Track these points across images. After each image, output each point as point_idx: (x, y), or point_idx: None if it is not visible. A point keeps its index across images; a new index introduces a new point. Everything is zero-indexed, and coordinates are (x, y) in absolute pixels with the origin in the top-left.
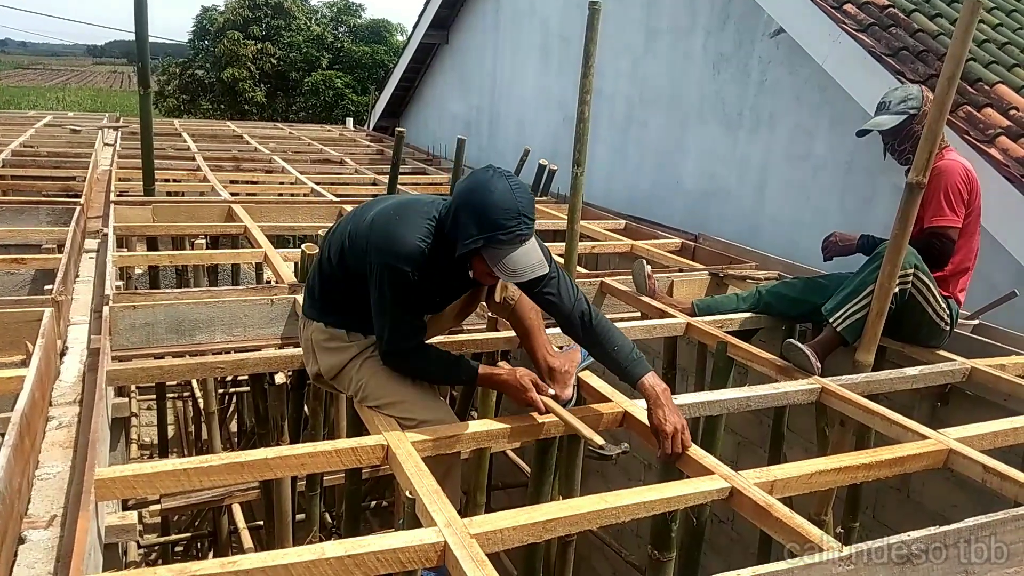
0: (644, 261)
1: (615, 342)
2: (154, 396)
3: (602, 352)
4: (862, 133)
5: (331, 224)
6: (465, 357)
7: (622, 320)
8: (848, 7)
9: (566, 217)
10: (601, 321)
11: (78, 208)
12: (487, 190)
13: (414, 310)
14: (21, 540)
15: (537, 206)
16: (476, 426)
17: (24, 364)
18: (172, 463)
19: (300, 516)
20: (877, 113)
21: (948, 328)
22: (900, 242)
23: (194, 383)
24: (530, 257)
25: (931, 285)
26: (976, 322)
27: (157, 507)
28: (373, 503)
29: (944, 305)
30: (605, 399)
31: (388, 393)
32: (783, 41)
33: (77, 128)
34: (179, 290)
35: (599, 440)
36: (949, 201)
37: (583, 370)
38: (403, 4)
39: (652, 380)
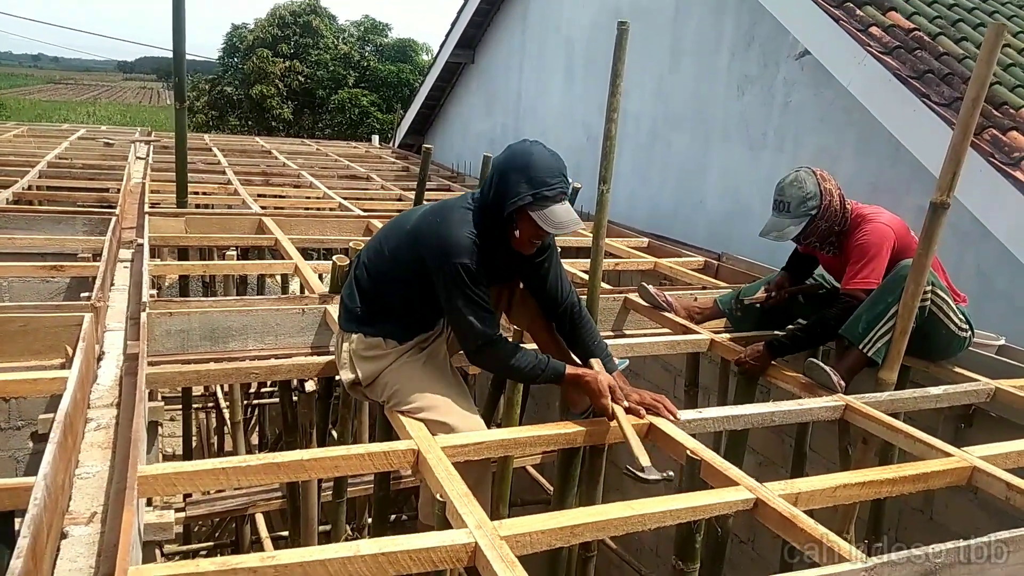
0: (645, 283)
1: (595, 340)
2: (178, 406)
3: (582, 343)
4: (765, 235)
5: (359, 237)
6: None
7: (645, 336)
8: (873, 30)
9: (591, 234)
10: (588, 319)
11: (113, 219)
12: (530, 154)
13: (486, 300)
14: (64, 535)
15: None
16: (503, 433)
17: (63, 367)
18: (211, 462)
19: (323, 527)
20: (775, 209)
21: (969, 333)
22: (924, 262)
23: (219, 393)
24: (570, 213)
25: (947, 298)
26: (1001, 342)
27: (181, 515)
28: (393, 516)
29: (961, 314)
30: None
31: (423, 398)
32: (808, 63)
33: (111, 141)
34: (213, 298)
35: (645, 461)
36: (869, 265)
37: None
38: (429, 24)
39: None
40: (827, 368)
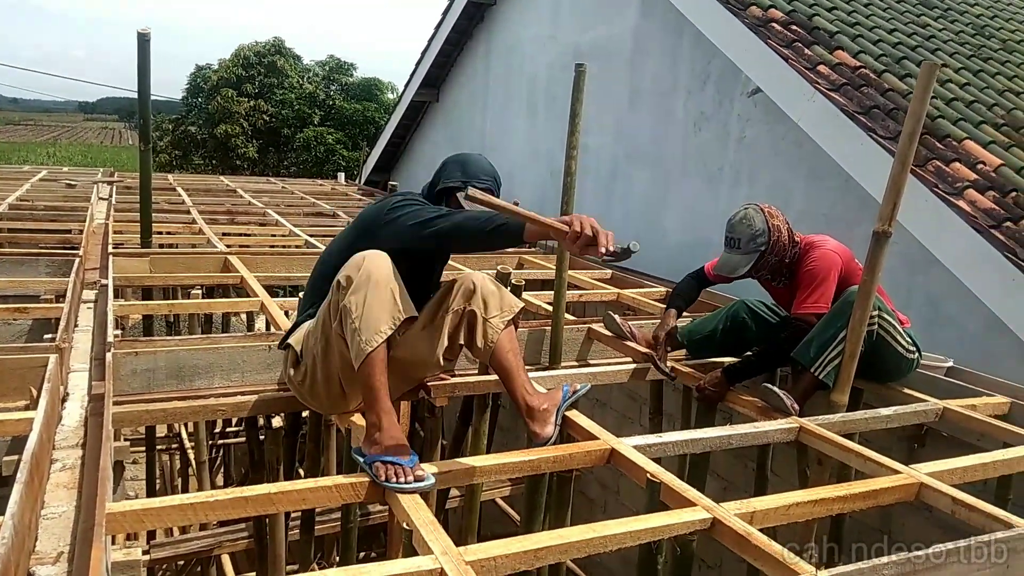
0: (611, 312)
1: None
2: (142, 448)
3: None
4: (719, 271)
5: None
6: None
7: (610, 365)
8: (821, 68)
9: (554, 266)
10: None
11: (77, 260)
12: (469, 154)
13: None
14: (31, 575)
15: (526, 257)
16: (470, 462)
17: (28, 408)
18: (179, 498)
19: (291, 568)
20: (727, 246)
21: (916, 355)
22: (869, 288)
23: (184, 434)
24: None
25: (893, 322)
26: (949, 364)
27: (146, 557)
28: (363, 554)
29: (907, 336)
30: (592, 436)
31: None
32: (760, 100)
33: (73, 183)
34: (179, 337)
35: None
36: (819, 290)
37: (568, 408)
38: (394, 63)
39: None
40: (780, 392)
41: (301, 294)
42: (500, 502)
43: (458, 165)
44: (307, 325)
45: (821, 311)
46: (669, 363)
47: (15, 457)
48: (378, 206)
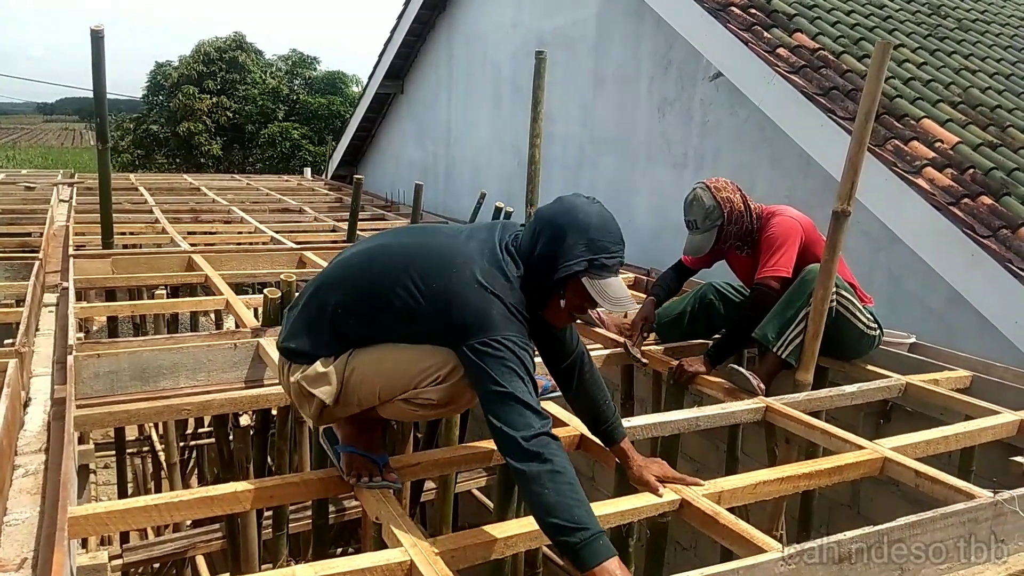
0: None
1: (605, 396)
2: (112, 452)
3: (590, 402)
4: (688, 253)
5: (292, 269)
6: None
7: None
8: (781, 51)
9: None
10: (595, 371)
11: (37, 263)
12: (589, 214)
13: (534, 382)
14: None
15: None
16: (440, 453)
17: None
18: (143, 499)
19: (266, 567)
20: (688, 228)
21: (877, 331)
22: (830, 266)
23: (154, 436)
24: (624, 288)
25: (852, 299)
26: (912, 340)
27: (119, 562)
28: (339, 549)
29: (868, 313)
30: (562, 423)
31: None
32: (722, 84)
33: (31, 185)
34: (143, 338)
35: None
36: (778, 253)
37: (546, 400)
38: (358, 56)
39: (628, 444)
40: (746, 372)
41: (290, 309)
42: (477, 493)
43: (580, 234)
44: (351, 367)
45: (781, 275)
46: (641, 347)
47: None
48: (470, 316)
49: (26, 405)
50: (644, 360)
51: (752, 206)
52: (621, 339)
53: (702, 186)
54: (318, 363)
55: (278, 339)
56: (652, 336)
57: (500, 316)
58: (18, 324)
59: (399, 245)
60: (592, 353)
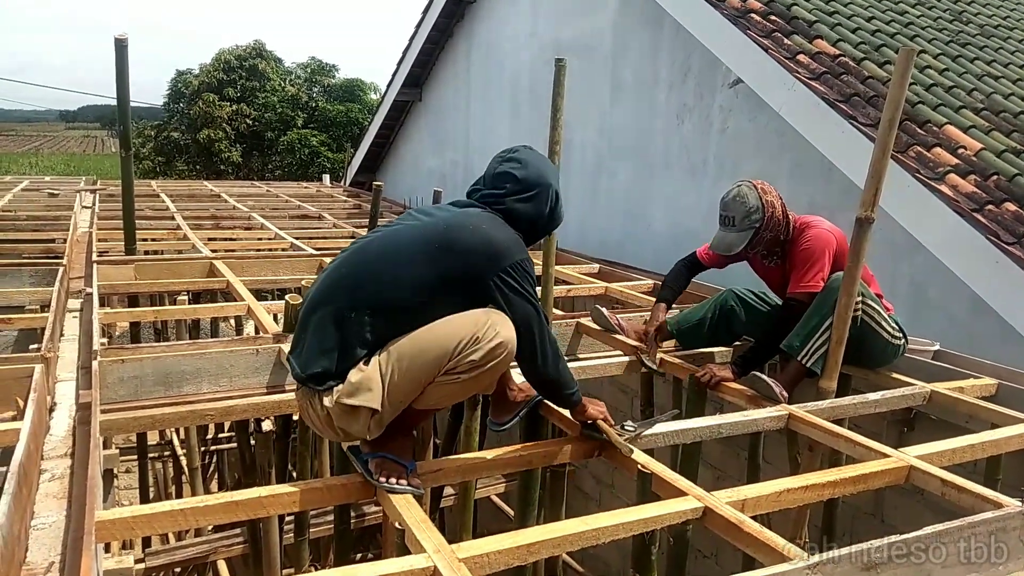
0: (598, 305)
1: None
2: (134, 456)
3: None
4: (715, 249)
5: (312, 276)
6: None
7: (600, 359)
8: (801, 57)
9: (541, 261)
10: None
11: (61, 269)
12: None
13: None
14: None
15: None
16: (462, 459)
17: (15, 419)
18: (169, 504)
19: (288, 572)
20: (721, 224)
21: (902, 340)
22: (854, 274)
23: (175, 440)
24: None
25: (878, 308)
26: (936, 348)
27: (141, 566)
28: (359, 555)
29: (893, 322)
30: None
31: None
32: (742, 91)
33: (55, 192)
34: (166, 343)
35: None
36: (814, 269)
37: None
38: (376, 64)
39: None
40: (769, 380)
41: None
42: (495, 499)
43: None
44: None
45: (816, 290)
46: (658, 356)
47: (3, 469)
48: (486, 260)
49: (52, 410)
50: (660, 369)
51: (790, 216)
52: (641, 345)
53: (748, 184)
54: (350, 376)
55: (293, 372)
56: (671, 343)
57: (519, 244)
58: (43, 329)
59: (393, 233)
60: (612, 360)
